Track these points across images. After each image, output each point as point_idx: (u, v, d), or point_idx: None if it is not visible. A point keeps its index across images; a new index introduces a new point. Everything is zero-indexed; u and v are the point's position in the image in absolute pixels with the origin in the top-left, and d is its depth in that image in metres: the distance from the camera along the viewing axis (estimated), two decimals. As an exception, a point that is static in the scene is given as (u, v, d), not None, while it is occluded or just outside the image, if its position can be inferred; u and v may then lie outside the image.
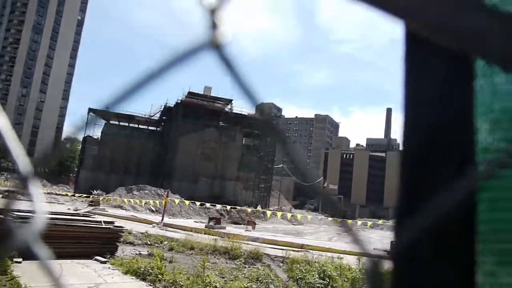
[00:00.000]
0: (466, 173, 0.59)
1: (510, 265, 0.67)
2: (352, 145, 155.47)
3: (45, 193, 44.73)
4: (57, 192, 47.81)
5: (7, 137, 0.57)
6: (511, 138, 0.71)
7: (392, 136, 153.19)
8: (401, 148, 0.67)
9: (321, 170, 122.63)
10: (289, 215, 33.85)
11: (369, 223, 32.39)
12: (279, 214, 31.83)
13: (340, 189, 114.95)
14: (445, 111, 0.65)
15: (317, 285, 8.47)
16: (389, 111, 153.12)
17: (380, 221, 44.90)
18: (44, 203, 0.54)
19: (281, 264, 11.09)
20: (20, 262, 7.79)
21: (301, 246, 15.30)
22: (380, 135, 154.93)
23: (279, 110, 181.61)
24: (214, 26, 0.45)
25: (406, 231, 0.57)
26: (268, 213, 32.33)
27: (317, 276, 8.91)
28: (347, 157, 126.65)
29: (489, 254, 0.66)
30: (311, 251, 13.50)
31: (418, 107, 0.67)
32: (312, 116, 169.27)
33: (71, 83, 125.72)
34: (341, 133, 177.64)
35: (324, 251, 13.96)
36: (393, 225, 0.65)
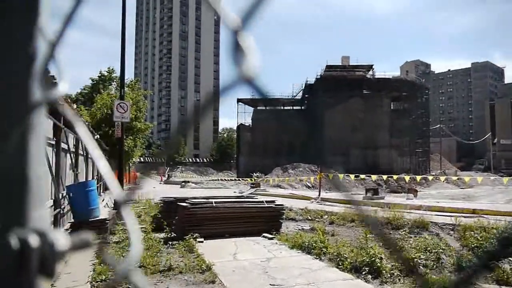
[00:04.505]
0: None
1: None
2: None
3: (213, 180, 50.20)
4: (223, 178, 53.12)
5: (101, 166, 0.59)
6: None
7: None
8: None
9: (487, 124, 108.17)
10: (454, 178, 30.97)
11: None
12: (442, 178, 29.41)
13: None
14: None
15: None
16: None
17: None
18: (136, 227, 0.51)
19: (451, 232, 10.27)
20: (202, 242, 8.99)
21: (473, 212, 13.89)
22: None
23: (427, 66, 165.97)
24: (238, 48, 0.41)
25: None
26: (430, 178, 30.16)
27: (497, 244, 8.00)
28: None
29: None
30: (486, 216, 12.16)
31: None
32: (468, 65, 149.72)
33: (218, 79, 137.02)
34: (507, 79, 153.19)
35: (503, 215, 12.41)
36: None
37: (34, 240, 0.38)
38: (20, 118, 0.40)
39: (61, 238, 0.40)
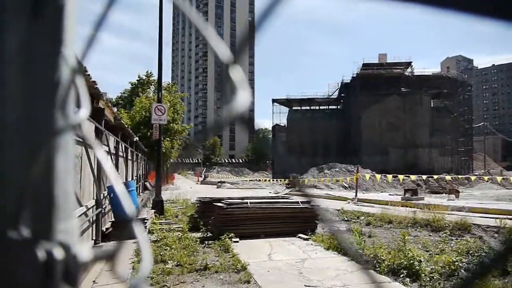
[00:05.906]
0: None
1: None
2: None
3: (249, 180, 50.52)
4: (258, 178, 53.32)
5: (118, 189, 0.61)
6: None
7: None
8: None
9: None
10: (499, 178, 29.59)
11: None
12: (486, 178, 28.17)
13: None
14: None
15: (547, 257, 7.20)
16: None
17: None
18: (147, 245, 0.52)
19: (495, 235, 9.85)
20: (237, 242, 9.08)
21: (520, 213, 13.22)
22: None
23: (470, 61, 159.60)
24: (229, 82, 0.42)
25: None
26: (473, 178, 28.97)
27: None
28: None
29: None
30: (534, 218, 11.53)
31: None
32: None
33: (254, 80, 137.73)
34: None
35: (553, 217, 11.72)
36: None
37: (58, 253, 0.43)
38: (46, 141, 0.44)
39: (84, 251, 0.44)
